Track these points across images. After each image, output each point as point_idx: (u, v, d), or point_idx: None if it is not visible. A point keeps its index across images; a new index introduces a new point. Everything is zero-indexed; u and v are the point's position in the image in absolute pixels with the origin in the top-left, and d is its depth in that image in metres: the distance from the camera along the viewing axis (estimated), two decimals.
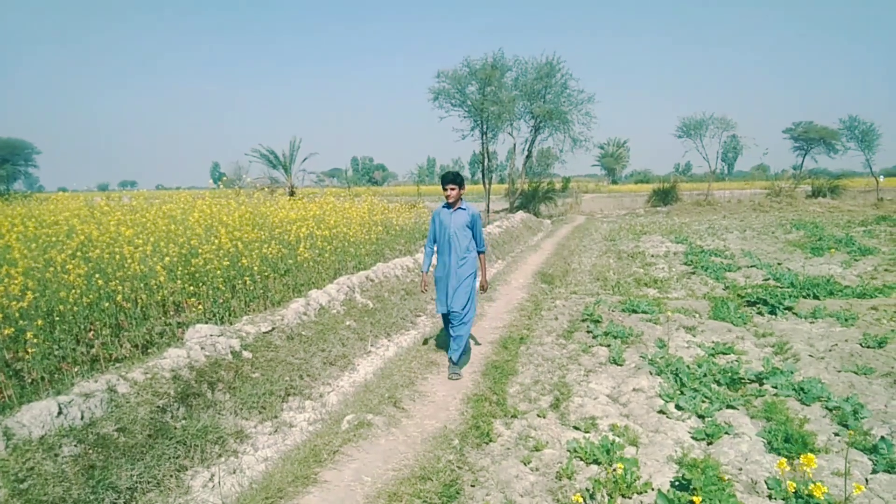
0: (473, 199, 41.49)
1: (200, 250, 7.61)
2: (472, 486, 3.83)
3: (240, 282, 7.86)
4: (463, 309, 6.00)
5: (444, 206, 6.05)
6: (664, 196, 39.22)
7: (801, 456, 3.30)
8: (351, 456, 4.18)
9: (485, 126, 30.27)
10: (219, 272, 7.49)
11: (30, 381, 5.21)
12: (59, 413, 3.93)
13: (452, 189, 5.88)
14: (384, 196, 26.39)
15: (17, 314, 5.45)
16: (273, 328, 6.32)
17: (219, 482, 4.04)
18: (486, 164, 32.06)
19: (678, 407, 5.02)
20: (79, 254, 6.99)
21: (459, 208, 6.00)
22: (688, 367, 5.87)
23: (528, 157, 34.06)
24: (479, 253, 6.15)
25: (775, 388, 5.34)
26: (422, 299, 9.58)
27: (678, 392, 5.30)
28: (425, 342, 7.21)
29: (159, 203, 11.54)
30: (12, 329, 5.30)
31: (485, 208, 30.16)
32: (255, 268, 8.02)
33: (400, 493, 3.66)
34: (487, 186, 31.77)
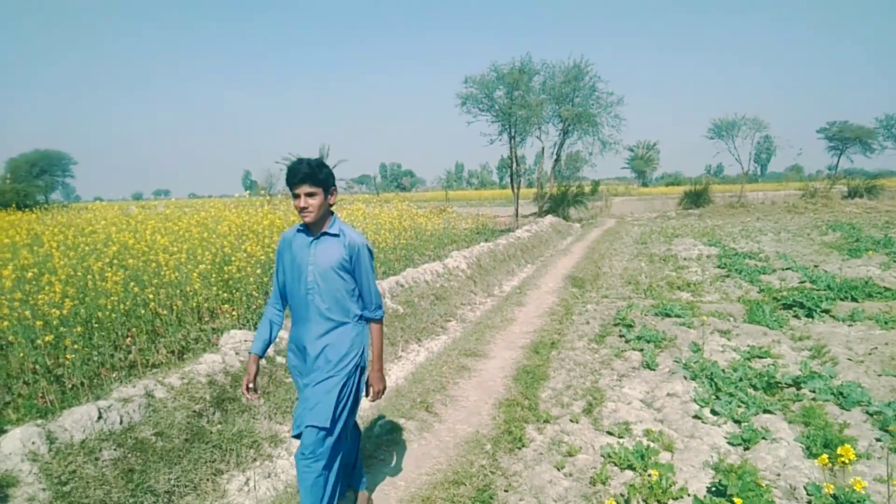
0: (502, 203, 41.30)
1: (233, 258, 7.73)
2: (506, 491, 3.82)
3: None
4: (322, 430, 2.99)
5: (298, 230, 3.22)
6: (696, 198, 38.68)
7: (839, 448, 3.22)
8: (383, 461, 4.21)
9: (513, 130, 30.18)
10: (251, 279, 7.60)
11: (70, 386, 5.34)
12: (100, 418, 4.01)
13: (310, 194, 3.03)
14: (413, 202, 26.47)
15: (57, 321, 5.59)
16: None
17: (254, 486, 4.09)
18: (514, 168, 31.94)
19: (713, 412, 4.95)
20: (116, 261, 7.15)
21: (326, 234, 3.13)
22: (723, 371, 5.78)
23: (556, 160, 33.89)
24: (369, 321, 3.29)
25: (813, 392, 5.24)
26: (451, 304, 9.60)
27: (713, 397, 5.22)
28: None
29: (192, 211, 11.78)
30: (53, 336, 5.44)
31: (514, 213, 30.08)
32: None
33: (434, 497, 3.67)
34: (516, 191, 31.64)
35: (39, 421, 3.88)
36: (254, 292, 7.61)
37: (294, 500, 3.71)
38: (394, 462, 4.24)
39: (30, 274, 6.37)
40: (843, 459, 3.16)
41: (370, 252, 3.26)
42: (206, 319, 7.23)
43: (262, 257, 8.05)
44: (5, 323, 5.38)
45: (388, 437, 4.53)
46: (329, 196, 3.11)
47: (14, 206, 18.00)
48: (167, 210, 13.32)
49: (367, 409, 5.53)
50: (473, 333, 7.86)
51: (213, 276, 7.41)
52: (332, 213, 3.20)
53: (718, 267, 13.09)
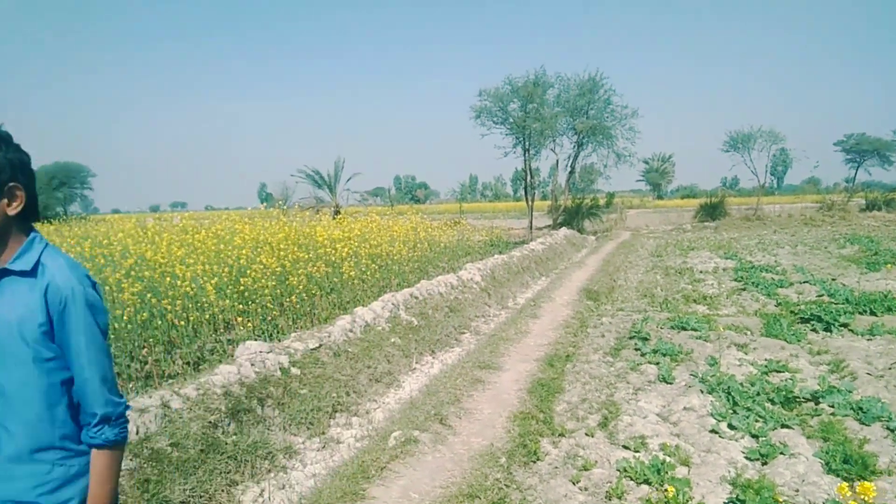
0: (516, 215, 41.27)
1: (249, 270, 7.79)
2: None
3: (287, 300, 8.02)
4: None
5: None
6: (712, 211, 38.41)
7: (860, 484, 3.16)
8: (398, 473, 4.20)
9: (527, 143, 30.28)
10: (267, 291, 7.64)
11: None
12: None
13: None
14: (427, 214, 26.55)
15: None
16: (320, 345, 6.40)
17: (269, 497, 4.10)
18: (528, 180, 32.01)
19: (731, 426, 4.89)
20: (133, 273, 7.22)
21: (7, 271, 1.70)
22: (740, 385, 5.72)
23: (571, 172, 33.92)
24: (93, 446, 1.75)
25: (832, 406, 5.16)
26: (466, 316, 9.59)
27: (730, 411, 5.16)
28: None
29: (208, 223, 11.88)
30: None
31: (528, 225, 30.07)
32: (302, 286, 8.16)
33: None
34: (530, 203, 31.66)
35: None
36: (269, 304, 7.66)
37: None
38: (408, 474, 4.22)
39: None
40: (863, 497, 3.03)
41: (94, 304, 1.74)
42: (222, 330, 7.28)
43: (278, 269, 8.10)
44: None
45: (403, 449, 4.52)
46: (8, 201, 1.69)
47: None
48: (183, 222, 13.44)
49: (381, 421, 5.54)
50: (488, 346, 7.85)
51: (229, 287, 7.47)
52: (32, 230, 1.79)
53: (735, 280, 12.98)
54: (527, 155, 30.87)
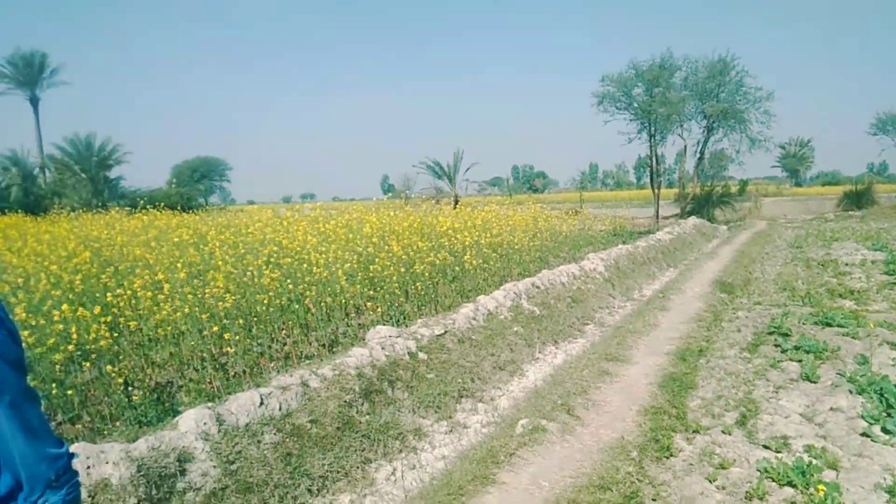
0: (640, 204, 39.93)
1: (377, 258, 8.06)
2: (654, 500, 3.70)
3: (412, 287, 8.23)
4: None
5: None
6: (857, 199, 35.32)
7: None
8: (527, 460, 4.21)
9: (652, 128, 29.12)
10: (394, 278, 7.88)
11: (233, 374, 5.80)
12: (261, 404, 4.32)
13: None
14: (546, 203, 26.25)
15: (222, 314, 6.09)
16: (445, 331, 6.52)
17: (401, 476, 4.24)
18: (654, 167, 30.81)
19: (885, 430, 4.50)
20: (272, 260, 7.66)
21: None
22: (895, 386, 5.25)
23: (699, 159, 32.30)
24: None
25: None
26: (589, 307, 9.41)
27: (884, 414, 4.75)
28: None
29: (337, 214, 12.40)
30: (218, 327, 5.93)
31: (653, 214, 29.01)
32: (427, 274, 8.34)
33: (579, 500, 3.63)
34: (656, 191, 30.45)
35: (209, 404, 4.24)
36: (395, 290, 7.89)
37: (440, 492, 3.80)
38: (537, 462, 4.22)
39: (196, 272, 6.98)
40: None
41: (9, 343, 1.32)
42: (353, 315, 7.59)
43: (404, 257, 8.33)
44: (178, 314, 5.93)
45: (530, 437, 4.52)
46: None
47: (179, 208, 19.73)
48: (314, 212, 14.09)
49: (506, 408, 5.57)
50: (614, 338, 7.67)
51: (359, 274, 7.76)
52: None
53: (886, 273, 11.87)
54: (652, 141, 29.69)
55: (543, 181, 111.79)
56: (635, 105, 28.49)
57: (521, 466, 4.13)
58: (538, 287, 9.19)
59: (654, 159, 30.53)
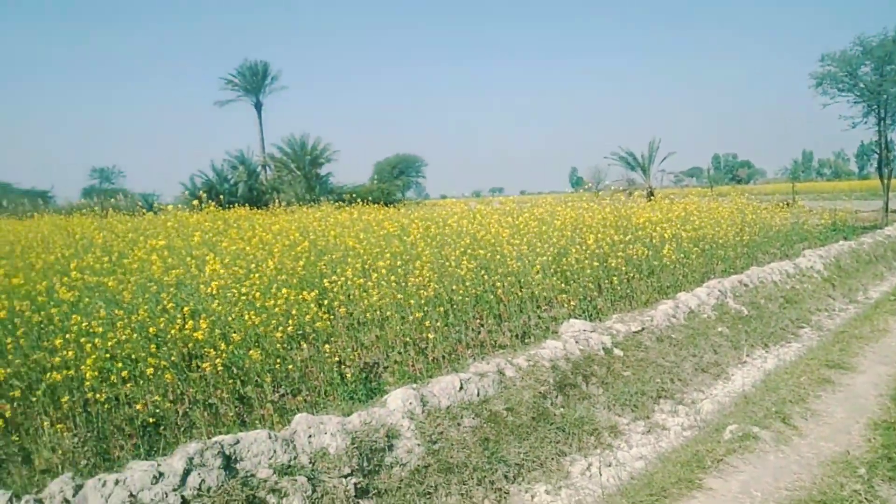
0: (863, 196, 35.50)
1: (570, 250, 7.97)
2: None
3: (606, 281, 8.04)
4: None
5: None
6: None
7: None
8: (736, 467, 3.93)
9: (882, 111, 25.66)
10: (587, 271, 7.75)
11: (432, 358, 6.06)
12: (461, 388, 4.48)
13: None
14: (751, 195, 24.23)
15: (423, 301, 6.39)
16: (642, 328, 6.30)
17: (598, 472, 4.17)
18: (883, 155, 27.16)
19: None
20: (469, 251, 7.89)
21: None
22: None
23: None
24: None
25: None
26: (804, 308, 8.57)
27: None
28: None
29: (527, 207, 12.46)
30: (420, 314, 6.23)
31: (881, 207, 25.61)
32: (622, 268, 8.10)
33: None
34: (886, 181, 26.81)
35: (414, 385, 4.48)
36: (589, 284, 7.76)
37: (641, 492, 3.68)
38: (748, 470, 3.93)
39: (399, 262, 7.38)
40: None
41: None
42: (543, 307, 7.58)
43: (598, 251, 8.15)
44: (385, 300, 6.32)
45: (740, 444, 4.20)
46: None
47: (381, 202, 20.98)
48: (504, 206, 14.28)
49: (710, 412, 5.25)
50: (835, 343, 6.90)
51: (552, 266, 7.74)
52: None
53: None
54: (882, 125, 26.13)
55: (748, 171, 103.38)
56: (861, 85, 25.27)
57: (729, 473, 3.85)
58: (746, 285, 8.56)
59: (883, 146, 26.89)
